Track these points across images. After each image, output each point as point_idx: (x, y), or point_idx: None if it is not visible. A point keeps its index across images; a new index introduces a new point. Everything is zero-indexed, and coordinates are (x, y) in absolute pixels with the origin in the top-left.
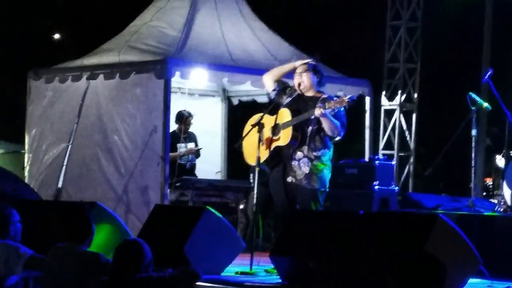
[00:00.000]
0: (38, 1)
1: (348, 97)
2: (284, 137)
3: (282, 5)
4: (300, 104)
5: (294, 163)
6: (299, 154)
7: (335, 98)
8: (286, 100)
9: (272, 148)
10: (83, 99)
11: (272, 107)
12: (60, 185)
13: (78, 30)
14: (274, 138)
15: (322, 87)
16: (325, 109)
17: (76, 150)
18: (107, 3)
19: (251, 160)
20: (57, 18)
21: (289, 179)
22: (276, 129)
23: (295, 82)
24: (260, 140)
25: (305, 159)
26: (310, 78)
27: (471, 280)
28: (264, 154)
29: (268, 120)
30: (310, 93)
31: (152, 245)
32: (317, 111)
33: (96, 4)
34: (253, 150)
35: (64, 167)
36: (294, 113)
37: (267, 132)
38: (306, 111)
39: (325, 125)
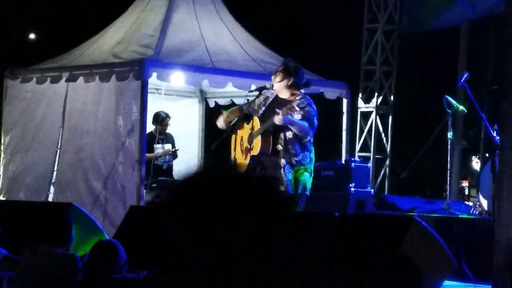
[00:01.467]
0: (13, 1)
1: (296, 102)
2: (256, 146)
3: (259, 7)
4: (273, 110)
5: (281, 171)
6: (282, 161)
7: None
8: (262, 108)
9: (248, 158)
10: (65, 102)
11: (247, 112)
12: (51, 190)
13: (53, 29)
14: (249, 147)
15: (305, 88)
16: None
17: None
18: (84, 2)
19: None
20: (32, 17)
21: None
22: (249, 138)
23: (272, 81)
24: (235, 142)
25: (288, 166)
26: (282, 80)
27: (451, 283)
28: (244, 164)
29: (246, 130)
30: (284, 95)
31: (127, 246)
32: (276, 119)
33: (73, 3)
34: (238, 158)
35: (55, 172)
36: (267, 118)
37: (245, 142)
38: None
39: (293, 128)
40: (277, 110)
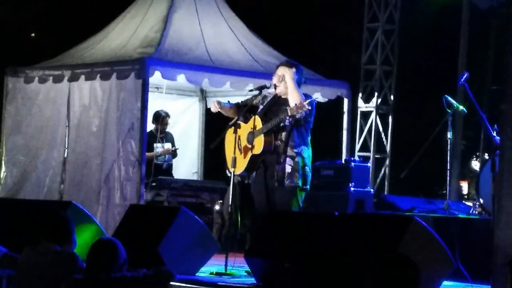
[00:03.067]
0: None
1: (307, 101)
2: (258, 145)
3: (260, 6)
4: (274, 108)
5: (279, 167)
6: (283, 157)
7: (299, 103)
8: (260, 106)
9: (248, 157)
10: (69, 101)
11: (247, 109)
12: (61, 189)
13: (54, 28)
14: (249, 146)
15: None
16: (288, 117)
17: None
18: (85, 2)
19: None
20: (33, 15)
21: (277, 184)
22: (250, 137)
23: (273, 81)
24: (236, 141)
25: (288, 159)
26: (285, 80)
27: (448, 283)
28: (242, 163)
29: (244, 128)
30: (285, 95)
31: (126, 244)
32: (289, 111)
33: (74, 2)
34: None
35: (65, 171)
36: (268, 118)
37: (243, 141)
38: (277, 115)
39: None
40: (287, 108)
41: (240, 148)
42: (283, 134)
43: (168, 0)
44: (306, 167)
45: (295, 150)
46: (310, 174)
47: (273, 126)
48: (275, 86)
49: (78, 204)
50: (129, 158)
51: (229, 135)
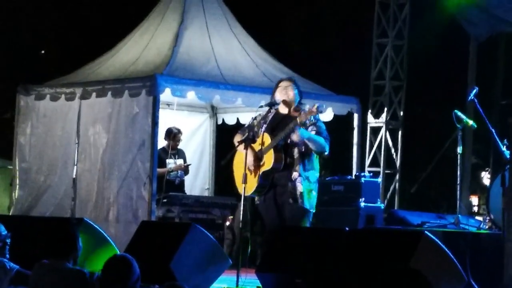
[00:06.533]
0: (26, 17)
1: (315, 106)
2: (268, 161)
3: (269, 23)
4: (280, 125)
5: (291, 184)
6: (294, 174)
7: (305, 109)
8: (262, 125)
9: (260, 175)
10: (79, 118)
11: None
12: (72, 206)
13: (65, 45)
14: (259, 164)
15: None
16: (298, 125)
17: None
18: (96, 18)
19: (242, 190)
20: (44, 33)
21: (290, 200)
22: (259, 155)
23: (279, 97)
24: (246, 157)
25: (300, 178)
26: (294, 94)
27: None
28: (253, 183)
29: (255, 147)
30: (287, 111)
31: (139, 261)
32: (295, 137)
33: (85, 19)
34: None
35: (77, 188)
36: (276, 134)
37: (254, 161)
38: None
39: (311, 145)
40: (296, 127)
41: (251, 169)
42: (295, 150)
43: (179, 16)
44: (314, 192)
45: (306, 174)
46: (316, 199)
47: (282, 137)
48: (284, 102)
49: (90, 221)
50: (140, 174)
51: (238, 156)
